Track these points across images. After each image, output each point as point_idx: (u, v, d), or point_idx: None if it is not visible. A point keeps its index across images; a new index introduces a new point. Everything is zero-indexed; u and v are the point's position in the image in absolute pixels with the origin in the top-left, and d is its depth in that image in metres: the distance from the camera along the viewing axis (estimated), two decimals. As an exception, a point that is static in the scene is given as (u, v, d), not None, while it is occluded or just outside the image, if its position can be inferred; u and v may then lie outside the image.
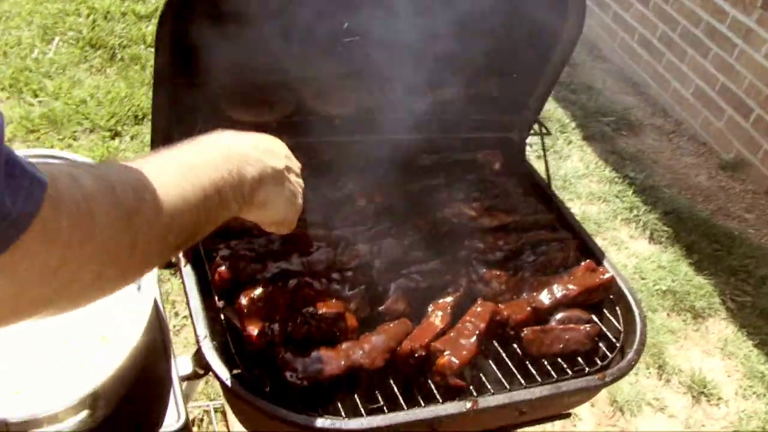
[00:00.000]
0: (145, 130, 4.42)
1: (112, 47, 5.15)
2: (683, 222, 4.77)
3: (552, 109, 5.70)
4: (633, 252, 4.50)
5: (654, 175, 5.25)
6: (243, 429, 2.90)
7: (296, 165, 1.41)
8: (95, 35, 5.21)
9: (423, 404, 1.63)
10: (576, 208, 4.73)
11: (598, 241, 4.49)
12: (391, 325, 1.75)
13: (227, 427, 3.11)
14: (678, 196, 5.08)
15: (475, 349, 1.70)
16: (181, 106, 1.90)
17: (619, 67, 6.65)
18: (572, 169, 5.09)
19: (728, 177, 5.41)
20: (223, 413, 3.20)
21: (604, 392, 3.58)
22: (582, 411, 3.51)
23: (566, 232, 2.13)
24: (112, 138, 4.38)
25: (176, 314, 3.55)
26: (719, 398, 3.70)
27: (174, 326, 3.47)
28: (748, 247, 4.67)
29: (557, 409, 1.89)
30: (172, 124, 1.92)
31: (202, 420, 3.20)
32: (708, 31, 5.69)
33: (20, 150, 1.50)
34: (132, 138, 4.37)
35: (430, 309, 1.84)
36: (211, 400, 3.21)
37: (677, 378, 3.75)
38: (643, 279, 4.28)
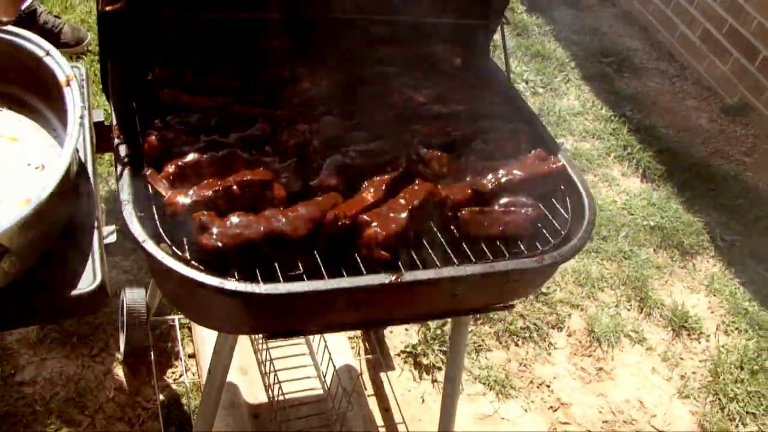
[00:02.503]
0: None
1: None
2: (678, 161, 4.67)
3: (552, 48, 5.58)
4: (624, 189, 4.41)
5: (652, 116, 5.14)
6: (207, 342, 2.89)
7: None
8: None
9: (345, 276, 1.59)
10: (568, 144, 4.64)
11: (589, 177, 4.42)
12: (320, 197, 1.69)
13: (193, 341, 3.09)
14: (675, 136, 4.98)
15: (404, 224, 1.64)
16: None
17: (626, 10, 6.50)
18: (568, 106, 4.99)
19: (730, 121, 5.28)
20: (189, 328, 3.18)
21: (581, 323, 3.53)
22: (558, 339, 3.46)
23: (520, 123, 2.06)
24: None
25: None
26: (700, 333, 3.64)
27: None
28: (743, 187, 4.58)
29: (495, 296, 1.83)
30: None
31: (168, 335, 3.18)
32: (718, -29, 5.54)
33: None
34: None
35: (364, 186, 1.77)
36: (177, 314, 3.19)
37: (659, 312, 3.68)
38: (631, 215, 4.20)
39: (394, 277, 1.56)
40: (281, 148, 1.80)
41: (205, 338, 2.90)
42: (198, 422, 2.15)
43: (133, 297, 2.86)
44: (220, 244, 1.53)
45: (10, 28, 1.82)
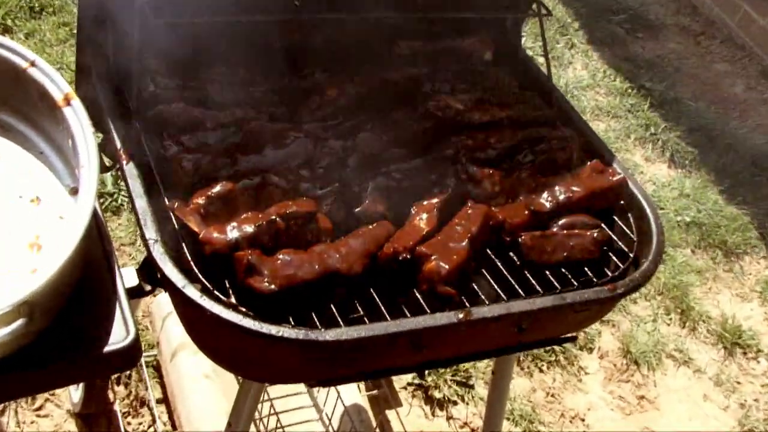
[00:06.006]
0: (44, 26, 4.54)
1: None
2: (712, 141, 5.04)
3: (551, 6, 5.90)
4: (649, 177, 4.77)
5: (677, 86, 5.51)
6: (183, 383, 3.13)
7: None
8: None
9: (408, 315, 1.85)
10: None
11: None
12: (370, 227, 1.97)
13: (163, 384, 3.30)
14: (707, 110, 5.35)
15: (466, 254, 1.93)
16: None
17: (636, -48, 6.88)
18: (574, 78, 5.33)
19: (771, 87, 5.70)
20: (156, 368, 3.40)
21: (614, 342, 3.86)
22: (590, 363, 3.79)
23: (569, 130, 2.35)
24: (2, 34, 4.50)
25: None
26: (758, 350, 3.99)
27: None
28: (794, 170, 4.97)
29: (562, 327, 2.13)
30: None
31: (130, 377, 3.39)
32: None
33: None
34: (27, 36, 4.49)
35: (413, 211, 2.05)
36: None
37: (705, 326, 4.04)
38: (662, 209, 4.55)
39: (462, 315, 1.84)
40: (315, 166, 2.06)
41: (182, 377, 3.12)
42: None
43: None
44: (273, 287, 1.78)
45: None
